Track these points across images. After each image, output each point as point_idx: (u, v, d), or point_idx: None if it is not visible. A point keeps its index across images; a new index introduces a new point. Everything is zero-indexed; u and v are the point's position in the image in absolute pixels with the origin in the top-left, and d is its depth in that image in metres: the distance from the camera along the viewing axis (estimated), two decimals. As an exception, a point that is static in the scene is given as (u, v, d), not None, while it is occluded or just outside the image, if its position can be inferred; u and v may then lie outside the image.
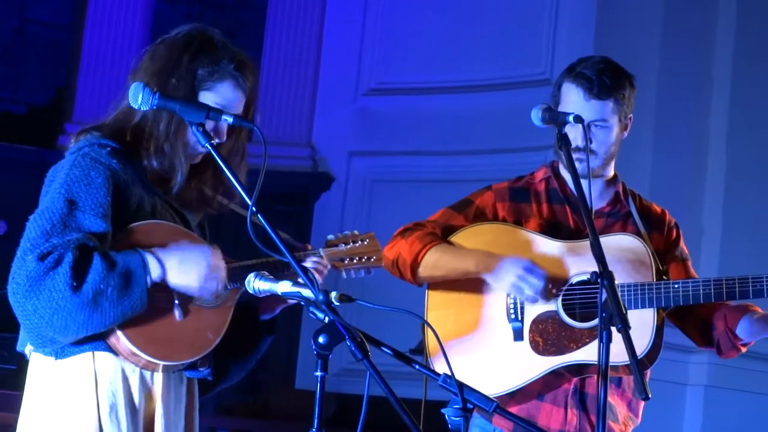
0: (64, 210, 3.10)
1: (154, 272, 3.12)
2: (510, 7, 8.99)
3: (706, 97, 7.96)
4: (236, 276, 3.30)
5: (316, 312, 2.87)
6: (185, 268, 3.15)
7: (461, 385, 2.85)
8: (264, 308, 3.48)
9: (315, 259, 3.45)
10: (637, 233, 3.95)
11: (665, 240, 4.04)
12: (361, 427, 2.88)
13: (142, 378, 3.22)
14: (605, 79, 3.90)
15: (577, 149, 3.86)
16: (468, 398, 2.84)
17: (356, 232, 3.59)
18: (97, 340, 3.14)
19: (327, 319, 2.84)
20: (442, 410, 2.88)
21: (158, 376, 3.24)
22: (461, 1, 9.21)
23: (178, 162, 3.27)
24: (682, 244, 4.08)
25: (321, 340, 2.81)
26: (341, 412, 7.75)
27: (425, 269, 3.93)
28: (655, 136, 7.77)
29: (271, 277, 3.08)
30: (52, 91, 10.57)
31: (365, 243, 3.59)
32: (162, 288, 3.15)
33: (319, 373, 2.82)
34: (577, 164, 3.75)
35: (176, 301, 3.18)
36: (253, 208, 3.02)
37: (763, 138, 8.01)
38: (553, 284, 3.85)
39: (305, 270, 2.99)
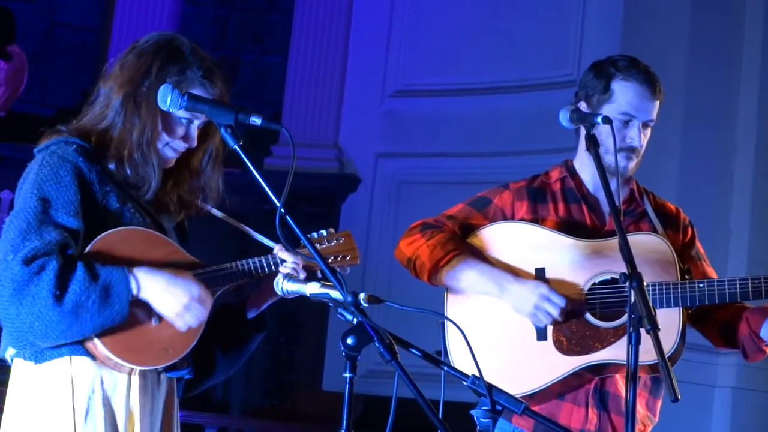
0: (38, 208, 3.13)
1: (135, 290, 3.15)
2: (537, 9, 8.97)
3: (734, 96, 7.92)
4: (213, 280, 3.32)
5: (345, 313, 2.87)
6: (168, 295, 3.18)
7: (490, 387, 2.85)
8: (249, 305, 3.50)
9: (291, 262, 3.41)
10: (654, 231, 3.94)
11: (681, 239, 4.03)
12: (389, 428, 2.88)
13: (119, 381, 3.24)
14: (657, 80, 3.91)
15: (631, 148, 3.87)
16: (497, 399, 2.83)
17: (332, 230, 3.58)
18: (76, 344, 3.18)
19: (355, 320, 2.85)
20: (471, 412, 2.87)
21: (135, 379, 3.26)
22: (487, 3, 9.19)
23: (150, 170, 3.30)
24: (697, 242, 4.07)
25: (350, 341, 2.81)
26: (368, 414, 7.74)
27: (445, 278, 3.93)
28: (682, 136, 7.73)
29: (300, 278, 3.09)
30: (80, 93, 10.61)
31: (341, 242, 3.57)
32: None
33: (347, 375, 2.82)
34: (623, 162, 3.82)
35: (153, 308, 3.21)
36: (282, 210, 3.03)
37: (792, 138, 7.97)
38: (575, 286, 3.85)
39: (334, 271, 2.99)
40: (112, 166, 3.30)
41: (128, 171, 3.29)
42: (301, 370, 9.41)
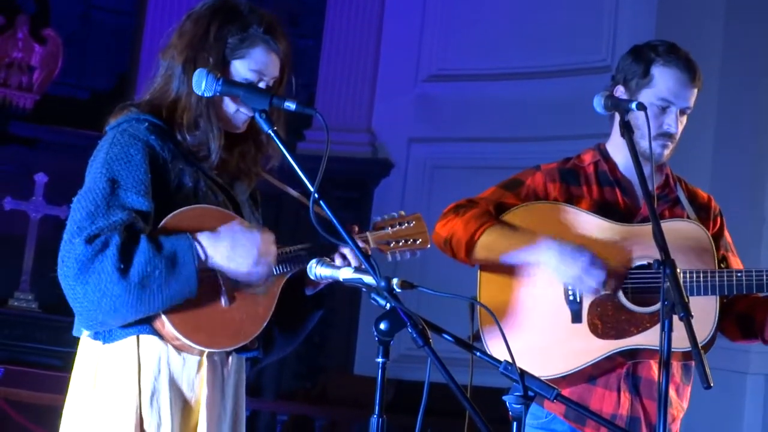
0: (107, 189, 3.09)
1: (202, 256, 3.11)
2: (571, -6, 8.96)
3: (769, 83, 7.88)
4: (284, 261, 3.29)
5: (378, 298, 2.86)
6: (235, 254, 3.13)
7: (522, 373, 2.84)
8: (307, 282, 3.43)
9: (360, 244, 3.36)
10: (689, 218, 3.92)
11: (711, 228, 4.00)
12: (422, 413, 2.89)
13: (188, 362, 3.21)
14: (697, 67, 3.89)
15: (668, 134, 3.85)
16: (529, 385, 2.83)
17: (403, 212, 3.55)
18: (144, 323, 3.14)
19: (388, 305, 2.84)
20: (503, 397, 2.87)
21: (204, 360, 3.22)
22: (522, -13, 9.18)
23: (212, 135, 3.25)
24: (726, 233, 4.05)
25: (383, 326, 2.81)
26: (399, 398, 7.76)
27: (481, 250, 3.88)
28: (717, 123, 7.70)
29: (333, 263, 3.09)
30: (115, 76, 10.66)
31: (411, 225, 3.55)
32: (208, 274, 3.14)
33: (380, 360, 2.81)
34: (658, 149, 3.82)
35: (222, 288, 3.17)
36: (316, 195, 3.03)
37: (828, 125, 7.92)
38: (613, 271, 3.83)
39: (367, 256, 2.99)
40: (179, 136, 3.24)
41: (189, 138, 3.24)
42: (333, 354, 9.44)
